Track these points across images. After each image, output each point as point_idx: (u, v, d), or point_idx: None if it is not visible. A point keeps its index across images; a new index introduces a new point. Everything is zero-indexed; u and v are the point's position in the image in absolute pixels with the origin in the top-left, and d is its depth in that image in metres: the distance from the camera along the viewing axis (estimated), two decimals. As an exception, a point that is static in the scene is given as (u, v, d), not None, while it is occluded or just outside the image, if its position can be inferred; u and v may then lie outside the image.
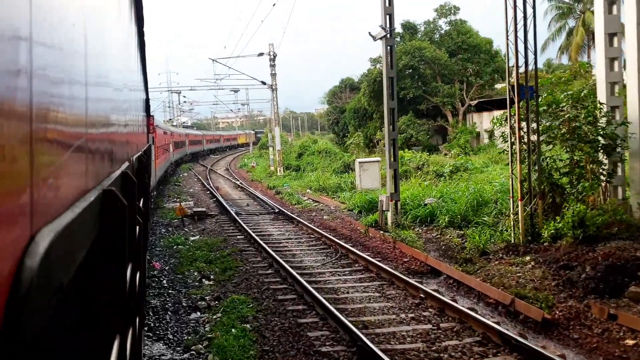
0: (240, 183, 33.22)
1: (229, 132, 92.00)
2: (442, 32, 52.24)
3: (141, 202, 4.11)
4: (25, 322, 0.84)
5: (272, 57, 34.03)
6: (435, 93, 49.13)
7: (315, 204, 22.94)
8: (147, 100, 10.96)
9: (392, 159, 17.00)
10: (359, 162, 25.17)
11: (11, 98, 0.87)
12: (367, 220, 17.31)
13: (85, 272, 1.65)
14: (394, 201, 16.31)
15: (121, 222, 1.88)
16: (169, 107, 70.22)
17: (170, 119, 68.72)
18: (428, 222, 15.97)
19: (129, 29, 4.42)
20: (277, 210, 20.48)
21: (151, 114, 15.54)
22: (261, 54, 34.15)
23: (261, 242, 14.40)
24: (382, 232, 15.48)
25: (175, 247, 15.61)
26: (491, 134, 50.34)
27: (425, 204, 16.61)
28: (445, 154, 44.71)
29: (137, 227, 3.10)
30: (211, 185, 31.63)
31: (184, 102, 62.18)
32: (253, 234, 15.58)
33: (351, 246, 13.58)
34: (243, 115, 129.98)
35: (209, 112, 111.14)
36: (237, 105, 72.33)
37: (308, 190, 27.48)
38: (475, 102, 50.03)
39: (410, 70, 48.89)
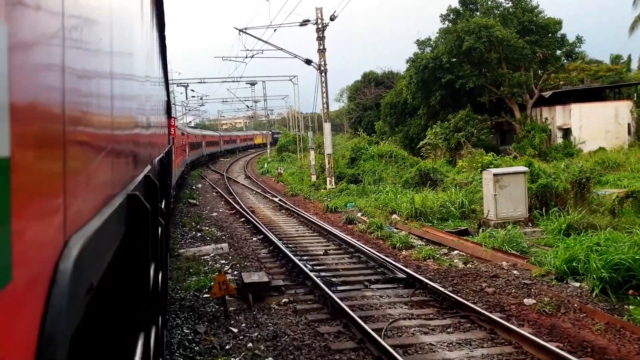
0: (280, 200, 23.08)
1: (245, 133, 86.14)
2: (502, 9, 41.97)
3: (163, 204, 3.94)
4: (63, 323, 0.85)
5: (320, 26, 23.87)
6: (500, 82, 39.06)
7: (442, 250, 12.88)
8: (168, 102, 10.63)
9: None
10: (494, 175, 15.09)
11: (47, 101, 0.86)
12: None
13: (111, 273, 1.61)
14: None
15: (145, 225, 1.87)
16: (173, 104, 59.94)
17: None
18: None
19: (151, 32, 4.40)
20: (400, 276, 10.21)
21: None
22: (305, 22, 24.01)
23: None
24: None
25: None
26: (566, 132, 40.37)
27: None
28: (515, 157, 34.44)
29: (160, 229, 3.05)
30: (241, 204, 21.49)
31: (192, 97, 52.11)
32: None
33: None
34: (248, 117, 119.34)
35: (215, 111, 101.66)
36: (249, 101, 61.99)
37: (395, 216, 17.40)
38: (550, 93, 39.96)
39: (462, 55, 38.78)
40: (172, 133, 15.53)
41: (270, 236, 14.52)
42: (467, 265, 11.15)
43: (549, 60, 40.93)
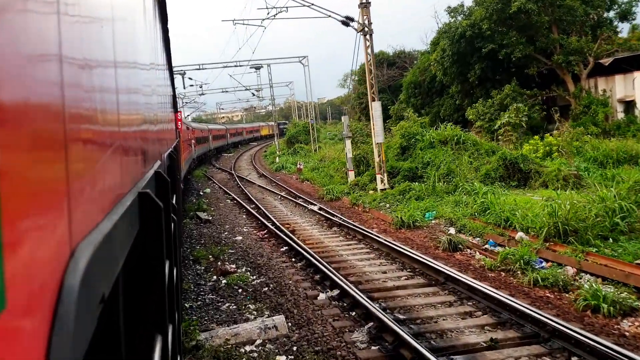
0: (321, 209, 16.63)
1: (251, 125, 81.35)
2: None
3: (174, 199, 3.71)
4: (71, 348, 0.75)
5: (362, -27, 17.25)
6: (551, 50, 32.54)
7: None
8: (173, 96, 10.33)
9: None
10: None
11: (43, 95, 0.76)
12: None
13: (124, 275, 1.52)
14: None
15: (158, 223, 1.76)
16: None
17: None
18: None
19: (154, 26, 4.08)
20: None
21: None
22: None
23: None
24: None
25: None
26: (628, 105, 33.93)
27: None
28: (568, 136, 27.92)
29: (172, 225, 2.90)
30: (272, 218, 14.96)
31: (191, 85, 45.17)
32: None
33: None
34: (245, 109, 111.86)
35: (213, 104, 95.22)
36: (253, 88, 55.09)
37: (520, 234, 11.00)
38: (610, 60, 33.44)
39: (505, 20, 32.28)
40: (179, 127, 13.37)
41: (350, 289, 8.09)
42: None
43: (602, 23, 34.49)
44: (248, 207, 18.04)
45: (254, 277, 10.08)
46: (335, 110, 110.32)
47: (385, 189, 18.14)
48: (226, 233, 14.33)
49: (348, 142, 21.66)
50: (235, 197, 20.91)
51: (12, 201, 0.60)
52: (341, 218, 14.80)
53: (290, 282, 9.47)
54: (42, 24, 0.77)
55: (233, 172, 33.23)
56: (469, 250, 10.81)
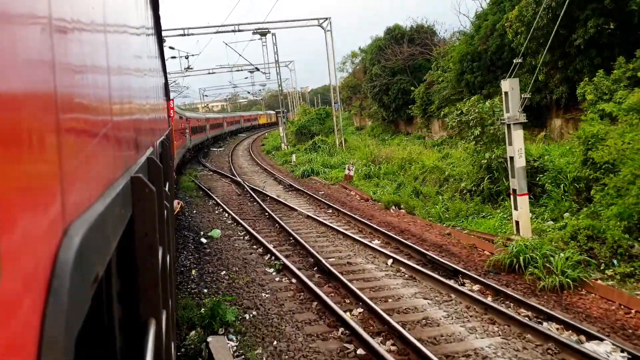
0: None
1: (249, 113, 75.28)
2: None
3: (166, 187, 3.45)
4: (66, 321, 0.74)
5: None
6: None
7: None
8: (166, 84, 9.76)
9: None
10: None
11: (34, 76, 0.74)
12: None
13: (118, 258, 1.50)
14: None
15: (150, 207, 1.67)
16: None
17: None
18: None
19: (146, 12, 3.87)
20: None
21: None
22: None
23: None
24: None
25: None
26: None
27: None
28: None
29: (165, 212, 2.69)
30: None
31: (172, 57, 32.31)
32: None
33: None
34: (226, 98, 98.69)
35: (196, 89, 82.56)
36: (236, 73, 42.35)
37: None
38: None
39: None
40: (171, 116, 11.74)
41: None
42: None
43: None
44: (347, 319, 6.02)
45: None
46: (325, 99, 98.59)
47: None
48: None
49: (517, 135, 9.63)
50: (286, 262, 8.73)
51: (6, 178, 0.60)
52: None
53: None
54: None
55: (238, 178, 21.01)
56: None
